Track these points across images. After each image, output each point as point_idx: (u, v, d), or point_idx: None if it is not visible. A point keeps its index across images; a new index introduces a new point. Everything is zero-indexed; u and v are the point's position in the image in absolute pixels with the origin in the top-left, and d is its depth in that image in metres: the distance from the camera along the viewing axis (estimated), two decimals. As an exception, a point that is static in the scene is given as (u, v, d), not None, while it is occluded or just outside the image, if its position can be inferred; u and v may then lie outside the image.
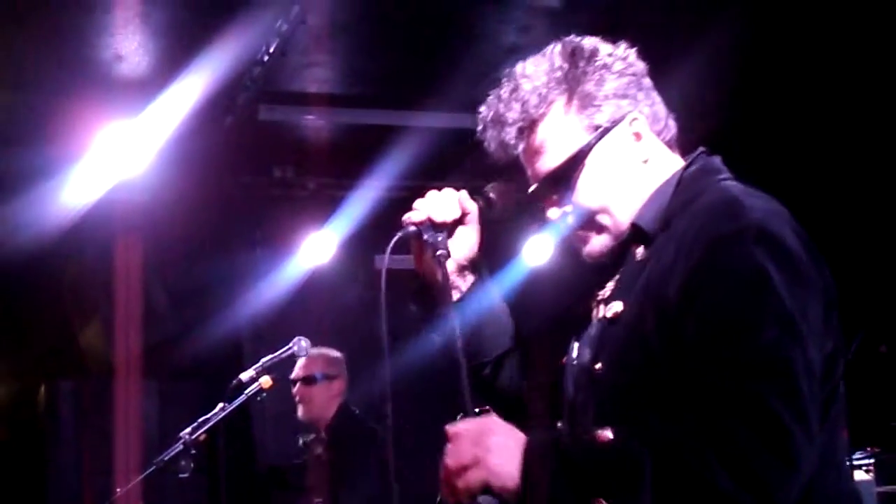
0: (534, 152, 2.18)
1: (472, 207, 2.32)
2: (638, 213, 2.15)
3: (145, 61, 6.13)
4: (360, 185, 7.59)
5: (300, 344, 4.36)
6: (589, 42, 2.22)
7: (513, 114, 2.17)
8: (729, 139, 3.93)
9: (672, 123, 2.25)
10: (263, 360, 4.36)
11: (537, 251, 8.46)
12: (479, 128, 2.25)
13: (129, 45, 5.93)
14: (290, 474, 6.43)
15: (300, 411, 5.59)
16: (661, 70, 2.32)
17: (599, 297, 2.21)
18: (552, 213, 2.21)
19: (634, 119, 2.17)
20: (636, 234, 2.15)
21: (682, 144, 2.29)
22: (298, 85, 6.62)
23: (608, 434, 1.94)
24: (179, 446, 4.21)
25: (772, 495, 1.80)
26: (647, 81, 2.22)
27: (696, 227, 1.98)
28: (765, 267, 1.89)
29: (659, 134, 2.21)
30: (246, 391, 4.34)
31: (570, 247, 2.26)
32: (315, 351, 5.30)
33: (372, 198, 7.58)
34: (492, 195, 2.37)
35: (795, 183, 5.95)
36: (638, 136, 2.17)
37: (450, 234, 2.29)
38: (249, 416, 7.06)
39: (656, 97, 2.23)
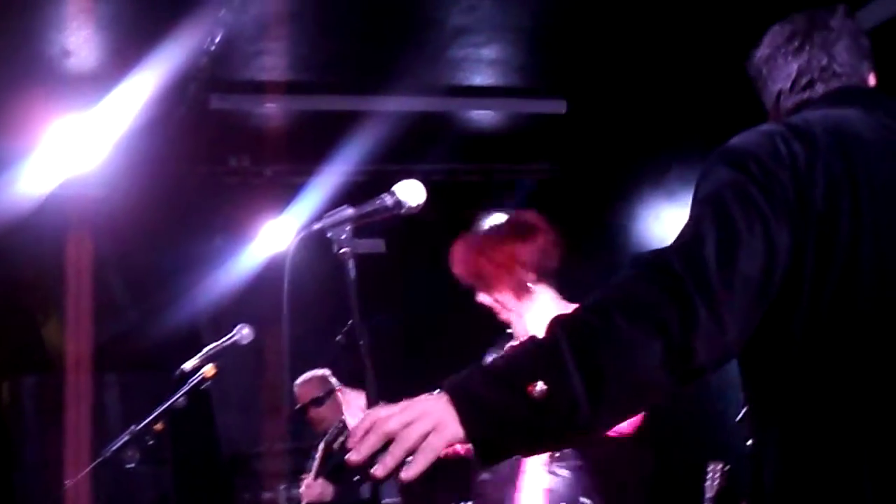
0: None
1: None
2: None
3: (94, 55, 6.12)
4: (316, 171, 7.61)
5: (242, 332, 4.39)
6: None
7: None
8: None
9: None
10: (206, 348, 4.39)
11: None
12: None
13: (77, 40, 5.92)
14: (253, 461, 6.50)
15: (319, 431, 5.88)
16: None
17: None
18: None
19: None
20: None
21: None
22: (249, 73, 6.61)
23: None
24: (126, 437, 4.25)
25: (676, 333, 1.90)
26: None
27: None
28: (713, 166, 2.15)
29: None
30: (189, 380, 4.37)
31: None
32: (303, 378, 5.91)
33: (329, 183, 7.60)
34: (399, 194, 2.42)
35: None
36: None
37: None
38: (210, 404, 7.09)
39: None
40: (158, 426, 4.36)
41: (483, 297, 4.09)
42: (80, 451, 7.02)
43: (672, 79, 6.91)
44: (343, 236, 2.30)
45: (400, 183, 2.41)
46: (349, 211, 2.40)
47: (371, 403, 2.08)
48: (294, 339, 2.37)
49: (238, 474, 7.17)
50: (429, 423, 1.88)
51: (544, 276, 4.05)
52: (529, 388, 1.87)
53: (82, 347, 7.33)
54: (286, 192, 7.74)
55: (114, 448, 4.25)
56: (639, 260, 2.02)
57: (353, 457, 1.90)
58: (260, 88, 6.77)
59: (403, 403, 1.93)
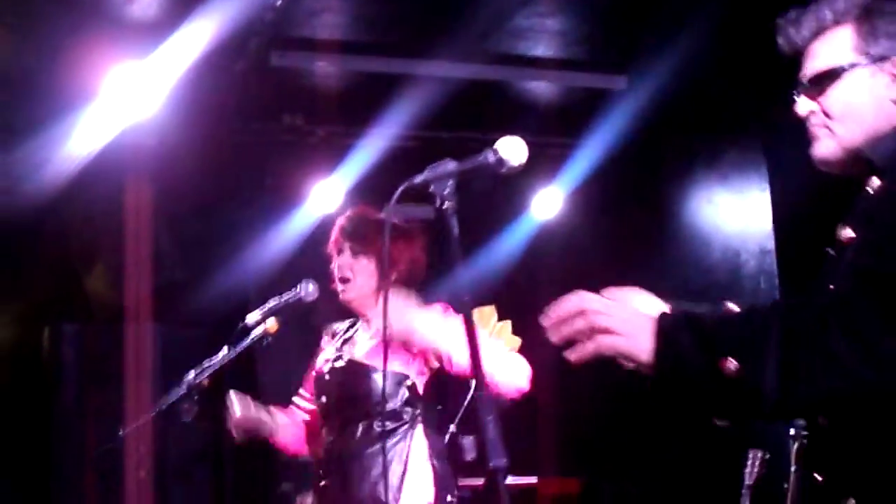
0: (811, 55, 2.47)
1: None
2: (872, 146, 2.37)
3: (156, 3, 6.07)
4: (369, 133, 7.54)
5: (307, 288, 4.24)
6: None
7: (810, 21, 2.46)
8: None
9: None
10: (270, 303, 4.28)
11: (546, 206, 8.46)
12: (780, 23, 2.52)
13: (140, -14, 5.89)
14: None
15: None
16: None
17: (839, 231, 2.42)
18: (801, 106, 2.46)
19: None
20: (868, 166, 2.37)
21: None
22: (310, 31, 6.57)
23: (736, 308, 2.19)
24: (183, 390, 4.18)
25: (877, 364, 1.98)
26: None
27: None
28: None
29: None
30: (251, 335, 4.28)
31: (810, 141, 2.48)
32: None
33: (380, 147, 7.54)
34: (501, 152, 2.36)
35: None
36: (894, 77, 2.39)
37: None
38: (255, 361, 7.02)
39: None
40: (205, 382, 4.28)
41: (342, 261, 4.17)
42: (135, 402, 7.00)
43: (734, 64, 6.83)
44: (446, 191, 2.23)
45: (501, 139, 2.34)
46: (451, 165, 2.35)
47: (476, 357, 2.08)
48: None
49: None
50: (626, 330, 2.10)
51: (407, 284, 4.13)
52: (723, 362, 2.03)
53: (136, 298, 7.29)
54: (338, 153, 7.67)
55: (171, 400, 4.18)
56: (869, 280, 2.06)
57: (553, 337, 2.14)
58: (320, 47, 6.72)
59: (614, 303, 2.16)
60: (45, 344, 7.74)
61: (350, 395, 4.11)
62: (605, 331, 2.11)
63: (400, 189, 2.31)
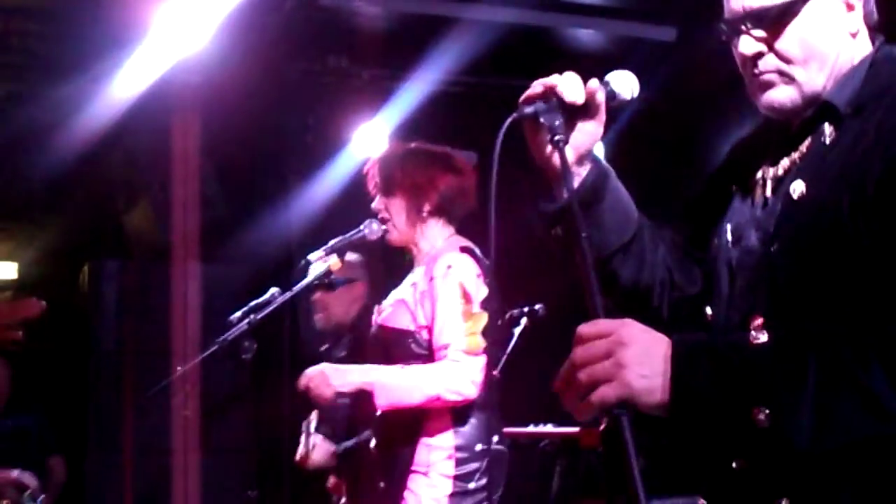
0: None
1: (601, 97, 2.17)
2: (832, 91, 2.08)
3: (206, -63, 6.03)
4: (413, 77, 7.47)
5: (371, 226, 4.21)
6: None
7: None
8: None
9: (875, 10, 2.16)
10: (333, 241, 4.23)
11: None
12: None
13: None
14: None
15: (319, 319, 5.53)
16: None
17: (764, 176, 2.14)
18: (746, 46, 2.11)
19: None
20: (827, 112, 2.07)
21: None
22: (359, -31, 6.52)
23: (762, 337, 1.83)
24: (244, 326, 4.16)
25: None
26: None
27: None
28: None
29: (866, 15, 2.14)
30: (314, 272, 4.25)
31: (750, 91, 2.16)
32: (352, 255, 5.13)
33: (424, 91, 7.48)
34: (614, 85, 2.23)
35: None
36: (850, 6, 2.11)
37: (569, 121, 2.16)
38: (296, 308, 6.98)
39: None
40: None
41: (378, 202, 4.21)
42: (182, 340, 7.01)
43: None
44: (557, 122, 2.14)
45: (613, 73, 2.26)
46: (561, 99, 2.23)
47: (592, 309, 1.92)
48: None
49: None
50: (630, 381, 1.74)
51: (445, 214, 4.18)
52: (753, 414, 1.74)
53: (182, 236, 7.28)
54: (381, 96, 7.62)
55: (231, 337, 4.15)
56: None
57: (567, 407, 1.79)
58: (368, -14, 6.66)
59: (627, 352, 1.76)
60: (86, 280, 7.75)
61: (378, 355, 4.16)
62: (606, 377, 1.75)
63: (509, 120, 2.20)
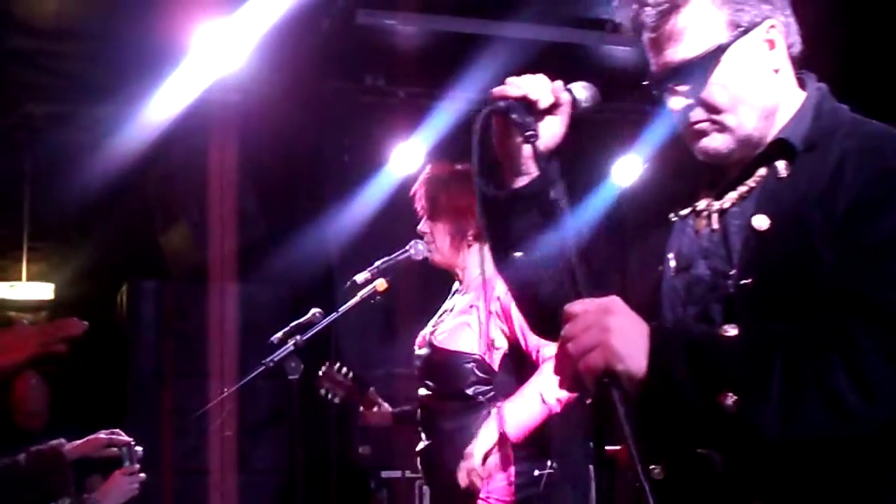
0: (668, 38, 2.12)
1: (565, 97, 2.25)
2: (785, 128, 2.13)
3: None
4: (449, 95, 7.48)
5: (416, 247, 4.23)
6: None
7: None
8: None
9: (799, 40, 2.20)
10: (378, 262, 4.25)
11: (626, 173, 8.37)
12: (615, 2, 2.23)
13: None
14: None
15: None
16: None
17: (709, 208, 2.19)
18: (674, 102, 2.15)
19: (772, 26, 2.13)
20: (781, 149, 2.12)
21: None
22: (396, -10, 6.52)
23: (732, 331, 2.00)
24: (290, 347, 4.16)
25: (881, 405, 1.87)
26: None
27: (859, 155, 2.01)
28: None
29: (789, 48, 2.18)
30: (360, 293, 4.26)
31: (683, 141, 2.21)
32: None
33: (460, 109, 7.48)
34: (576, 93, 2.30)
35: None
36: (772, 43, 2.14)
37: (536, 120, 2.22)
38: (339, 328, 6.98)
39: (789, 10, 2.19)
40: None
41: (423, 225, 4.26)
42: (219, 360, 7.00)
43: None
44: (528, 119, 2.18)
45: (575, 83, 2.29)
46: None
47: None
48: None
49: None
50: (614, 345, 1.85)
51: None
52: (721, 398, 1.86)
53: (219, 256, 7.28)
54: (418, 114, 7.62)
55: (277, 357, 4.15)
56: (867, 311, 1.91)
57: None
58: (404, 6, 6.65)
59: (612, 320, 1.88)
60: (124, 300, 7.76)
61: (433, 376, 4.17)
62: (593, 344, 1.87)
63: (485, 111, 2.23)
